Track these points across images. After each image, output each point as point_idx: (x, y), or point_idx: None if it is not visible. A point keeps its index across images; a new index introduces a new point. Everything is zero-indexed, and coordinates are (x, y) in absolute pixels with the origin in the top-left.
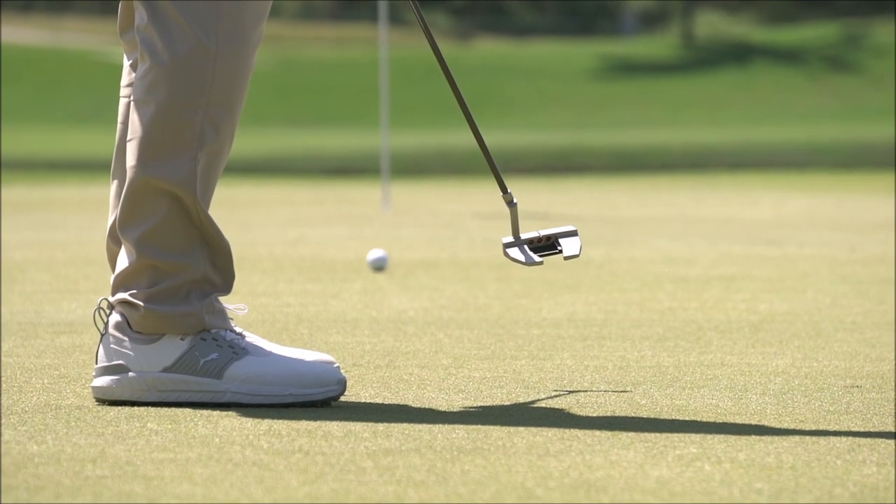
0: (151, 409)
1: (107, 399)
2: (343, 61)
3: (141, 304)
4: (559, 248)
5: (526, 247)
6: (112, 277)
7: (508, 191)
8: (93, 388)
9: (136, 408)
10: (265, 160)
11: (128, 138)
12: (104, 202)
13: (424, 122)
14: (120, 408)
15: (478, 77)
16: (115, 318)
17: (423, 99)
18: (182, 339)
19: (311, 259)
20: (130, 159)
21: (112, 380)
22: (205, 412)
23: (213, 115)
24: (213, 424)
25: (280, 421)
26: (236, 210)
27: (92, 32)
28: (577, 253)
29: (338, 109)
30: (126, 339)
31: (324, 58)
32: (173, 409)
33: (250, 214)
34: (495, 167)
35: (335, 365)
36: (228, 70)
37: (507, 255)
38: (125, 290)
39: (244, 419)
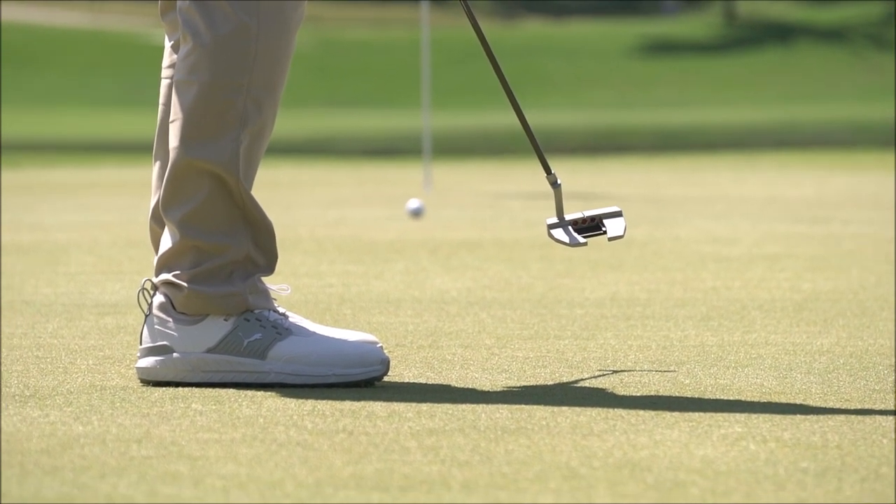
0: (196, 390)
1: (151, 380)
2: (384, 42)
3: (184, 284)
4: (603, 228)
5: (570, 227)
6: (155, 258)
7: (552, 171)
8: (137, 368)
9: (180, 388)
10: (306, 141)
11: (170, 119)
12: (147, 184)
13: (466, 102)
14: (164, 388)
15: (519, 57)
16: (158, 298)
17: (465, 79)
18: (226, 320)
19: (352, 240)
20: (173, 140)
21: (156, 360)
22: (249, 392)
23: (255, 95)
24: (257, 405)
25: (324, 401)
26: (278, 191)
27: (134, 14)
28: (621, 234)
29: (379, 90)
30: (170, 319)
31: (365, 38)
32: (217, 389)
33: (292, 195)
34: (539, 148)
35: (378, 345)
36: (270, 50)
37: (551, 235)
38: (169, 271)
39: (288, 399)
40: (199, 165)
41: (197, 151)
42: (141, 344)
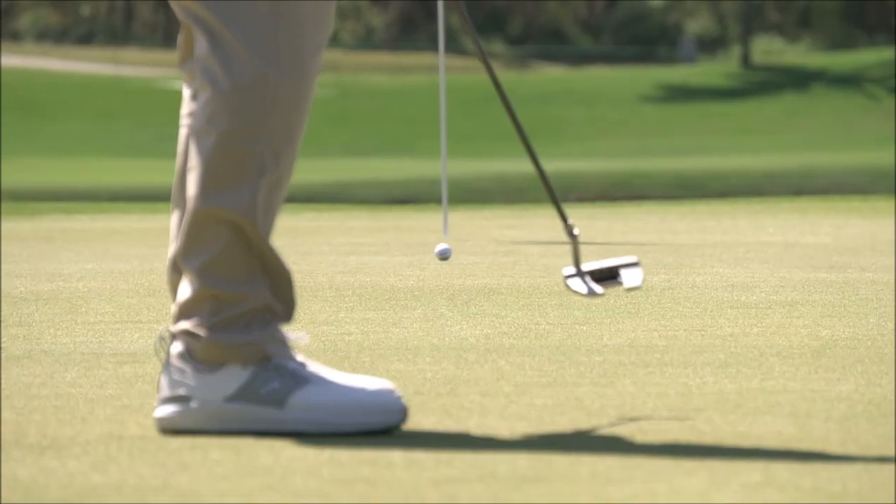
0: (214, 439)
1: (170, 429)
2: (402, 89)
3: (203, 333)
4: (620, 279)
5: (587, 277)
6: (173, 307)
7: (569, 221)
8: (156, 418)
9: (198, 438)
10: (325, 189)
11: (188, 168)
12: (166, 232)
13: (484, 148)
14: (183, 438)
15: (535, 103)
16: (177, 347)
17: (483, 125)
18: (244, 368)
19: (371, 287)
20: (191, 189)
21: (175, 410)
22: (267, 441)
23: (273, 143)
24: (275, 454)
25: (342, 450)
26: (297, 238)
27: (153, 64)
28: (638, 284)
29: (397, 137)
30: (188, 368)
31: (383, 85)
32: (236, 438)
33: (311, 242)
34: (555, 197)
35: (397, 393)
36: (289, 98)
37: (568, 286)
38: (187, 320)
39: (306, 448)
40: (217, 214)
41: (215, 200)
42: (159, 393)
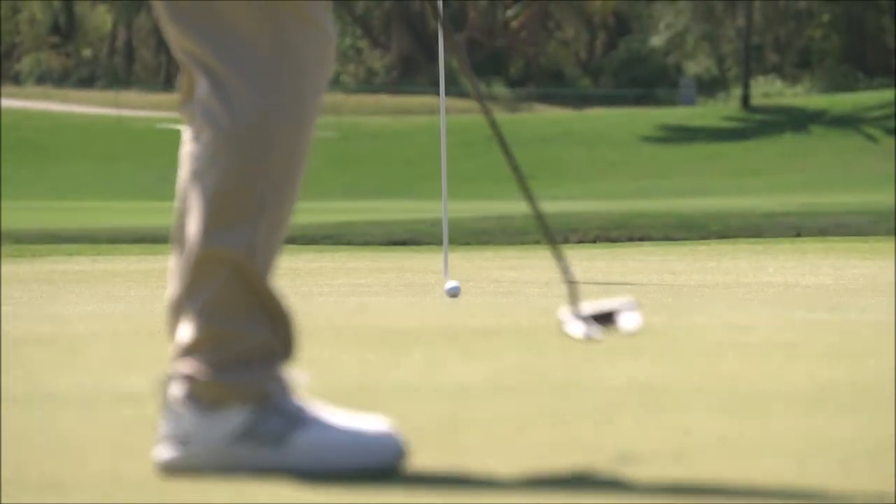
0: (215, 481)
1: (170, 471)
2: (403, 131)
3: (203, 373)
4: (618, 322)
5: (584, 320)
6: (173, 347)
7: (567, 265)
8: (156, 460)
9: (199, 479)
10: (326, 231)
11: (188, 208)
12: (167, 273)
13: (484, 190)
14: (183, 479)
15: (536, 145)
16: (176, 388)
17: (483, 167)
18: (244, 408)
19: (371, 327)
20: (191, 228)
21: (175, 451)
22: (268, 483)
23: (274, 183)
24: (275, 494)
25: (342, 490)
26: (297, 279)
27: (154, 106)
28: (636, 328)
29: (398, 178)
30: (188, 409)
31: (384, 127)
32: (236, 479)
33: (311, 283)
34: (553, 240)
35: (396, 434)
36: (289, 138)
37: (564, 329)
38: (186, 360)
39: (306, 488)
40: (217, 254)
41: (215, 240)
42: (159, 435)
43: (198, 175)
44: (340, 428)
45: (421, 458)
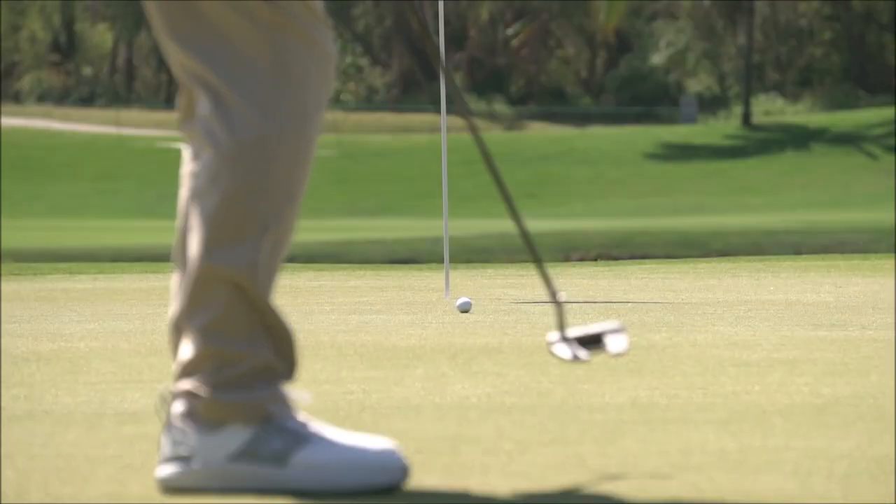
0: (216, 499)
1: (172, 489)
2: (403, 149)
3: (204, 392)
4: (605, 344)
5: (572, 343)
6: (175, 366)
7: (555, 287)
8: (158, 478)
9: (200, 497)
10: (327, 249)
11: (190, 227)
12: (168, 292)
13: (485, 208)
14: (185, 497)
15: (537, 163)
16: (178, 407)
17: (484, 185)
18: (246, 428)
19: (373, 345)
20: (193, 248)
21: (177, 469)
22: (269, 501)
23: (275, 202)
24: None
25: None
26: (298, 297)
27: (155, 125)
28: (623, 350)
29: (399, 197)
30: (190, 428)
31: (384, 145)
32: (238, 497)
33: (312, 302)
34: (541, 262)
35: (398, 452)
36: (291, 157)
37: (552, 351)
38: (188, 379)
39: None
40: (219, 273)
41: (217, 258)
42: (161, 453)
43: (199, 194)
44: (342, 447)
45: (422, 476)
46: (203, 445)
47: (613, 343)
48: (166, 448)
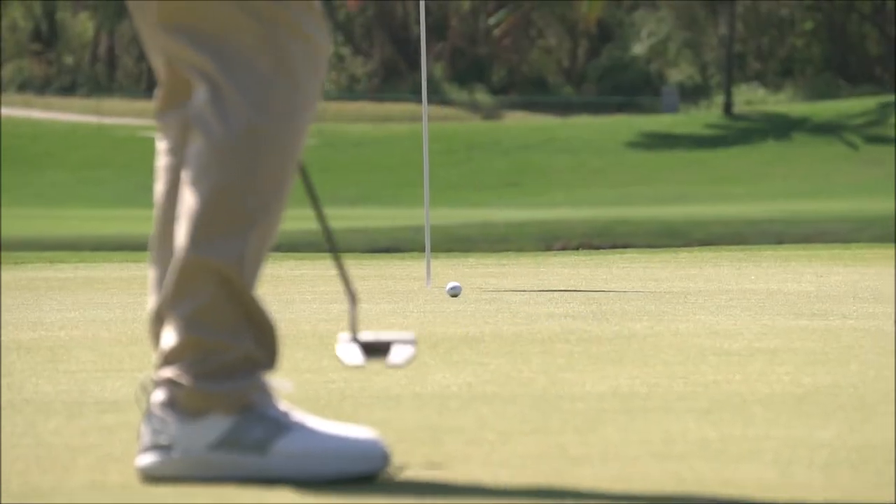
0: (197, 488)
1: (152, 477)
2: (385, 138)
3: (186, 381)
4: (389, 353)
5: (357, 346)
6: (156, 354)
7: (353, 289)
8: (138, 466)
9: (181, 486)
10: (308, 238)
11: (178, 216)
12: (145, 280)
13: (466, 197)
14: (166, 486)
15: (519, 152)
16: (159, 395)
17: (466, 174)
18: (227, 417)
19: None
20: (180, 238)
21: (157, 458)
22: (250, 490)
23: (263, 195)
24: (258, 502)
25: (325, 498)
26: (279, 286)
27: (136, 114)
28: (400, 362)
29: (380, 186)
30: (170, 417)
31: (366, 135)
32: (218, 486)
33: (293, 291)
34: (340, 259)
35: (380, 441)
36: (280, 150)
37: (336, 351)
38: (170, 367)
39: (290, 495)
40: (206, 264)
41: (205, 251)
42: (141, 442)
43: (190, 184)
44: (323, 435)
45: (403, 466)
46: (183, 434)
47: (395, 354)
48: (146, 437)
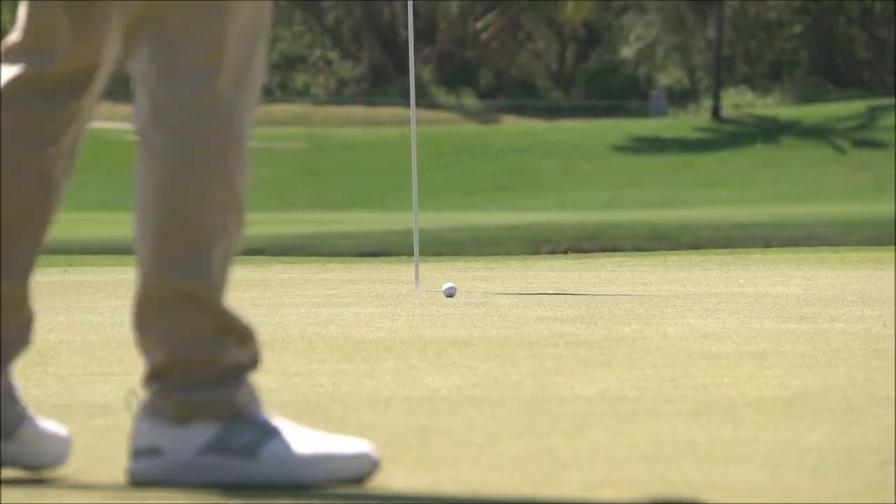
0: (186, 492)
1: (141, 482)
2: (373, 142)
3: (173, 395)
4: None
5: None
6: (143, 366)
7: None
8: (127, 471)
9: (170, 490)
10: (296, 242)
11: (137, 238)
12: (133, 284)
13: (455, 201)
14: (155, 491)
15: (509, 156)
16: (146, 402)
17: (454, 178)
18: (215, 422)
19: (343, 338)
20: (143, 262)
21: (146, 463)
22: (239, 495)
23: (218, 213)
24: (247, 499)
25: (311, 500)
26: (268, 290)
27: (124, 118)
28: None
29: (369, 189)
30: (158, 423)
31: (354, 138)
32: (207, 491)
33: (282, 294)
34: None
35: (368, 444)
36: (229, 167)
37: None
38: (156, 382)
39: (278, 501)
40: (171, 287)
41: (167, 274)
42: (130, 446)
43: (141, 208)
44: (311, 438)
45: (392, 469)
46: (172, 440)
47: None
48: (135, 441)
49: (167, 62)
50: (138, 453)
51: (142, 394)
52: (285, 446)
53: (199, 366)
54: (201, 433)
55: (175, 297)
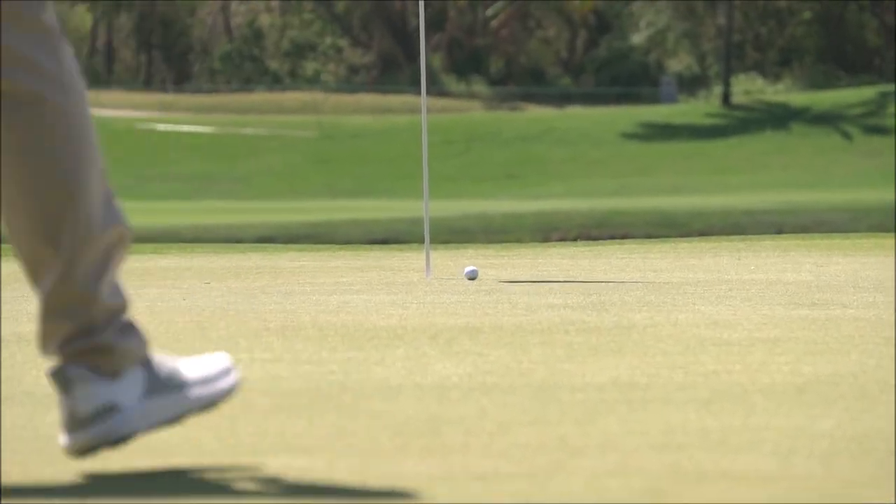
0: (189, 490)
1: (107, 443)
2: (384, 130)
3: (110, 344)
4: None
5: None
6: (57, 337)
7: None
8: (80, 439)
9: (174, 487)
10: (307, 229)
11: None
12: (144, 272)
13: (465, 188)
14: (157, 489)
15: (518, 143)
16: (77, 370)
17: (464, 165)
18: (138, 368)
19: (354, 326)
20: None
21: (109, 422)
22: (239, 495)
23: (65, 227)
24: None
25: (323, 486)
26: (279, 278)
27: (134, 106)
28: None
29: (379, 177)
30: (99, 382)
31: (364, 126)
32: (208, 492)
33: (293, 282)
34: None
35: (225, 355)
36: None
37: None
38: (88, 338)
39: (278, 501)
40: (56, 299)
41: (46, 288)
42: (73, 418)
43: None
44: (201, 358)
45: (403, 457)
46: (123, 392)
47: None
48: (81, 410)
49: None
50: (90, 420)
51: (66, 366)
52: (194, 369)
53: (116, 311)
54: (135, 381)
55: (68, 303)
